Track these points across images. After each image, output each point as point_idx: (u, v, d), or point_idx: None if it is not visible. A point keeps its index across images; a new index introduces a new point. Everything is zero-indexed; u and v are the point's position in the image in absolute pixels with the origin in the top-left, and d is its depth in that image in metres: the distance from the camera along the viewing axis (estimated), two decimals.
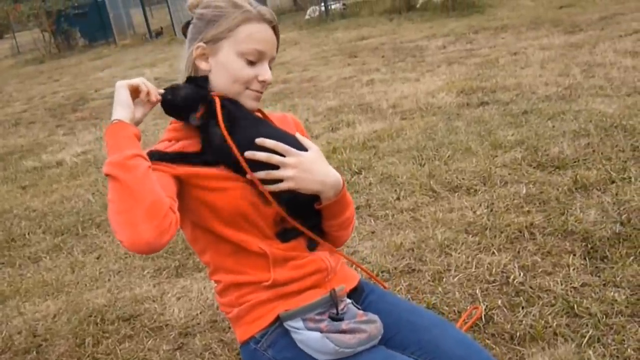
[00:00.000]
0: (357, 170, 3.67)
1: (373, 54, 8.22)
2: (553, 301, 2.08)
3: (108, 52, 16.18)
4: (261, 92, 1.35)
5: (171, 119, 1.34)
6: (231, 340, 2.19)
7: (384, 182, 3.43)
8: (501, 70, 5.74)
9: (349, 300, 1.31)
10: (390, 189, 3.32)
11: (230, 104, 1.29)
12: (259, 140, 1.24)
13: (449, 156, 3.62)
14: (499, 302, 2.13)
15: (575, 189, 2.89)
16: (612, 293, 2.06)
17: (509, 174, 3.22)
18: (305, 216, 1.31)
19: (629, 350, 1.80)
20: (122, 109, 1.22)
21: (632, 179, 2.88)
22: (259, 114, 1.39)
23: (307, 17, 14.02)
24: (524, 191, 2.96)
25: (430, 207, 3.01)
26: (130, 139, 1.18)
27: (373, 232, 2.86)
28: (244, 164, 1.23)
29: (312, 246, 1.34)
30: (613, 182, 2.89)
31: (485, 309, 2.10)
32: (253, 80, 1.31)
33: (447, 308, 2.16)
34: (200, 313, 2.43)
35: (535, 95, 4.62)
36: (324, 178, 1.27)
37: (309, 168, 1.26)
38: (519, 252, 2.44)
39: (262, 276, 1.28)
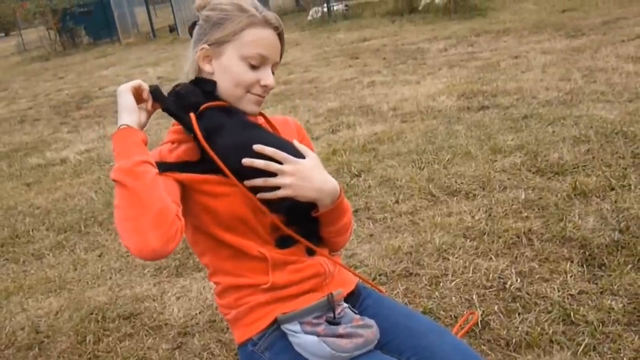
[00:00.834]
0: (356, 173, 3.69)
1: (374, 56, 8.24)
2: (550, 308, 2.09)
3: (112, 51, 16.23)
4: (263, 97, 1.35)
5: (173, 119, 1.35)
6: (229, 341, 2.21)
7: (383, 185, 3.45)
8: (502, 74, 5.76)
9: (346, 305, 1.32)
10: (389, 192, 3.34)
11: (221, 112, 1.28)
12: (258, 147, 1.24)
13: (448, 160, 3.64)
14: (496, 307, 2.14)
15: (575, 195, 2.91)
16: (609, 301, 2.07)
17: (508, 179, 3.24)
18: (303, 223, 1.33)
19: (624, 359, 1.81)
20: (129, 114, 1.22)
21: (632, 187, 2.89)
22: (261, 118, 1.40)
23: (309, 17, 14.04)
24: (523, 196, 2.98)
25: (429, 211, 3.03)
26: (138, 145, 1.19)
27: (371, 235, 2.88)
28: (227, 173, 1.23)
29: (311, 251, 1.35)
30: (612, 189, 2.91)
31: (481, 315, 2.11)
32: (255, 85, 1.32)
33: (443, 313, 2.18)
34: (200, 313, 2.45)
35: (535, 100, 4.64)
36: (322, 186, 1.28)
37: (306, 176, 1.26)
38: (516, 257, 2.46)
39: (260, 279, 1.30)
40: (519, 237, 2.60)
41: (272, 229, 1.30)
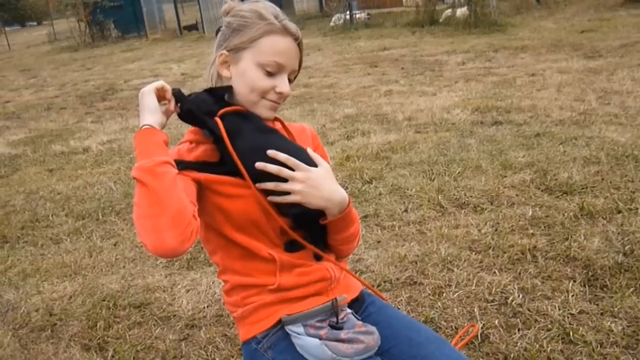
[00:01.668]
0: (368, 180, 3.75)
1: (393, 65, 8.30)
2: (549, 326, 2.11)
3: (139, 45, 16.47)
4: (278, 103, 1.37)
5: None
6: (234, 336, 2.26)
7: (393, 193, 3.51)
8: (517, 91, 5.79)
9: (349, 310, 1.35)
10: (399, 200, 3.39)
11: (238, 117, 1.32)
12: (272, 153, 1.27)
13: (459, 173, 3.69)
14: (496, 322, 2.17)
15: (581, 215, 2.93)
16: (609, 323, 2.08)
17: (517, 195, 3.28)
18: (312, 229, 1.36)
19: None
20: (151, 115, 1.26)
21: (639, 210, 2.92)
22: (278, 124, 1.43)
23: (332, 24, 14.14)
24: (530, 213, 3.02)
25: (437, 221, 3.08)
26: (159, 146, 1.22)
27: (379, 242, 2.93)
28: (246, 177, 1.27)
29: (318, 257, 1.38)
30: (620, 211, 2.93)
31: (481, 328, 2.14)
32: (270, 91, 1.34)
33: (444, 323, 2.21)
34: (207, 307, 2.51)
35: (549, 119, 4.67)
36: (330, 195, 1.30)
37: (316, 184, 1.28)
38: (519, 273, 2.49)
39: (268, 280, 1.32)
40: (523, 254, 2.63)
41: (282, 232, 1.33)
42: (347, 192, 1.36)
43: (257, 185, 1.28)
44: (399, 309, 2.29)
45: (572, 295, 2.28)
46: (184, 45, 14.77)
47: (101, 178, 4.48)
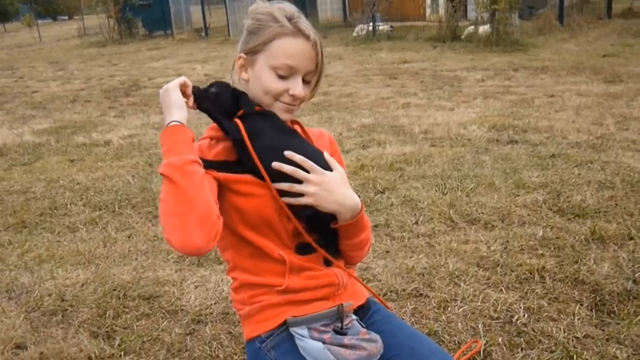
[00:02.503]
0: (381, 190, 3.78)
1: (413, 78, 8.33)
2: (553, 348, 2.10)
3: (165, 44, 16.71)
4: (293, 105, 1.38)
5: None
6: (239, 334, 2.29)
7: (405, 204, 3.53)
8: (535, 111, 5.79)
9: (354, 317, 1.37)
10: (410, 212, 3.41)
11: (258, 116, 1.34)
12: (288, 154, 1.29)
13: (471, 189, 3.70)
14: (500, 339, 2.17)
15: (592, 239, 2.92)
16: (614, 349, 2.06)
17: (528, 214, 3.28)
18: (324, 232, 1.38)
19: None
20: (178, 111, 1.28)
21: None
22: (297, 127, 1.45)
23: (354, 34, 14.22)
24: (541, 234, 3.02)
25: (447, 235, 3.10)
26: (188, 143, 1.24)
27: (387, 252, 2.95)
28: (266, 177, 1.29)
29: (328, 262, 1.40)
30: (631, 238, 2.92)
31: (485, 344, 2.14)
32: (283, 94, 1.35)
33: (448, 337, 2.22)
34: (215, 303, 2.55)
35: (565, 141, 4.67)
36: (343, 200, 1.32)
37: (330, 188, 1.30)
38: (526, 293, 2.49)
39: (276, 281, 1.34)
40: (531, 273, 2.63)
41: (294, 234, 1.35)
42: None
43: (272, 185, 1.30)
44: (403, 319, 2.31)
45: (578, 319, 2.27)
46: (209, 47, 14.93)
47: (120, 171, 4.56)
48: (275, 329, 1.35)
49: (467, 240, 3.02)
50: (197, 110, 1.36)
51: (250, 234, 1.33)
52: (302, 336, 1.30)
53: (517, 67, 8.74)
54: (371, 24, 14.01)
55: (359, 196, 1.43)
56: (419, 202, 3.54)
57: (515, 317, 2.31)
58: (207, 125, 1.45)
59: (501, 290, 2.52)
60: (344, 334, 1.31)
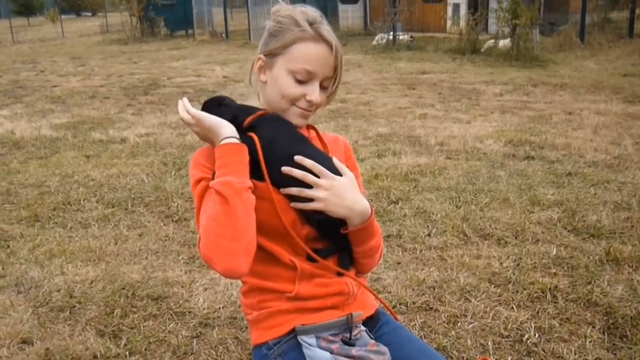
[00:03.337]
0: (394, 200, 3.75)
1: (431, 89, 8.31)
2: None
3: (185, 45, 16.86)
4: (309, 111, 1.37)
5: None
6: (246, 340, 2.28)
7: (418, 216, 3.50)
8: (553, 128, 5.74)
9: (363, 328, 1.35)
10: (423, 224, 3.39)
11: (271, 122, 1.34)
12: (298, 158, 1.29)
13: (485, 203, 3.66)
14: (509, 358, 2.14)
15: (607, 260, 2.88)
16: None
17: (542, 232, 3.25)
18: (334, 239, 1.37)
19: None
20: (229, 128, 1.28)
21: None
22: (312, 132, 1.45)
23: (374, 42, 14.24)
24: (554, 252, 2.98)
25: (459, 249, 3.07)
26: (246, 167, 1.26)
27: (399, 263, 2.93)
28: (268, 184, 1.28)
29: (340, 275, 1.38)
30: None
31: None
32: (300, 99, 1.35)
33: (456, 353, 2.20)
34: (223, 307, 2.54)
35: (582, 159, 4.62)
36: (353, 205, 1.31)
37: (340, 193, 1.29)
38: (538, 312, 2.46)
39: (286, 287, 1.33)
40: (543, 292, 2.60)
41: (306, 241, 1.34)
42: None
43: (281, 190, 1.30)
44: (412, 332, 2.28)
45: (590, 341, 2.24)
46: (229, 49, 15.02)
47: (134, 169, 4.58)
48: (283, 336, 1.33)
49: (479, 255, 2.99)
50: None
51: (262, 239, 1.32)
52: (310, 345, 1.29)
53: (536, 82, 8.68)
54: (391, 33, 14.00)
55: (372, 205, 1.42)
56: (433, 214, 3.51)
57: (526, 336, 2.28)
58: None
59: (512, 308, 2.50)
60: (353, 345, 1.29)
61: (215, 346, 2.27)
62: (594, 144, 5.10)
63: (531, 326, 2.34)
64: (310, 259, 1.35)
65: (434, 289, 2.66)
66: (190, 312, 2.52)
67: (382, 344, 1.33)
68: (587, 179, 4.12)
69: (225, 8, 19.17)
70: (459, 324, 2.38)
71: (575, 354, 2.16)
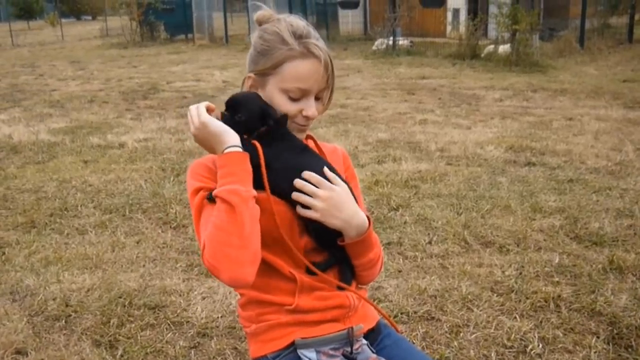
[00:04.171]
0: (394, 207, 3.72)
1: (430, 95, 8.29)
2: None
3: (185, 49, 16.85)
4: (306, 125, 1.37)
5: None
6: (244, 351, 2.25)
7: (419, 223, 3.47)
8: (553, 134, 5.71)
9: (364, 341, 1.33)
10: (423, 231, 3.35)
11: (276, 137, 1.32)
12: (306, 174, 1.29)
13: (487, 210, 3.63)
14: None
15: (610, 269, 2.85)
16: None
17: (544, 240, 3.21)
18: (333, 250, 1.35)
19: None
20: (233, 136, 1.25)
21: None
22: (311, 142, 1.44)
23: (374, 48, 14.22)
24: (557, 260, 2.95)
25: (460, 257, 3.03)
26: (250, 175, 1.24)
27: (400, 271, 2.90)
28: (268, 194, 1.27)
29: (340, 288, 1.35)
30: None
31: None
32: (297, 115, 1.34)
33: None
34: (221, 317, 2.50)
35: (584, 166, 4.59)
36: (349, 219, 1.30)
37: (337, 204, 1.28)
38: (541, 322, 2.43)
39: (286, 299, 1.31)
40: (546, 302, 2.57)
41: (305, 253, 1.32)
42: (372, 217, 1.34)
43: (278, 195, 1.28)
44: (413, 343, 2.25)
45: (595, 352, 2.21)
46: (228, 54, 15.01)
47: (133, 175, 4.54)
48: (282, 350, 1.31)
49: (481, 264, 2.96)
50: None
51: (262, 251, 1.29)
52: (310, 359, 1.27)
53: (536, 88, 8.67)
54: (391, 38, 14.00)
55: (372, 213, 1.40)
56: (433, 221, 3.48)
57: (530, 346, 2.25)
58: None
59: (515, 317, 2.46)
60: (354, 359, 1.27)
61: (214, 357, 2.23)
62: (595, 150, 5.07)
63: (535, 336, 2.31)
64: (310, 271, 1.33)
65: (436, 298, 2.63)
66: (188, 321, 2.48)
67: (384, 357, 1.32)
68: (589, 185, 4.09)
69: (225, 12, 19.17)
70: (461, 334, 2.35)
71: None
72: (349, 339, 1.29)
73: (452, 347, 2.27)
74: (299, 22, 1.35)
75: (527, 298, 2.60)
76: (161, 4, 19.35)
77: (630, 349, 2.24)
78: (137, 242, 3.29)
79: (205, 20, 19.82)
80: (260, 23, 1.38)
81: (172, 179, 4.40)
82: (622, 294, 2.62)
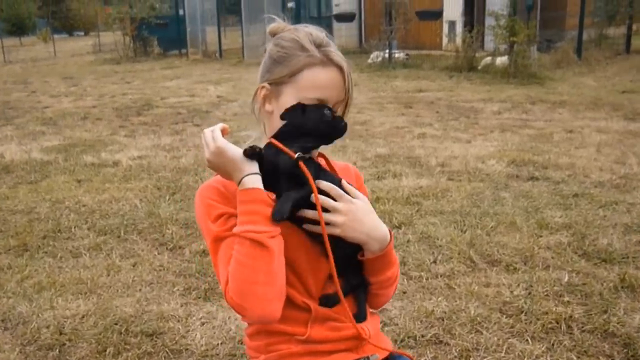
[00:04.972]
0: (397, 225, 3.64)
1: (428, 108, 8.24)
2: None
3: (179, 64, 16.80)
4: None
5: None
6: None
7: (422, 241, 3.39)
8: (555, 147, 5.66)
9: None
10: (427, 250, 3.27)
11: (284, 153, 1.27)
12: (323, 185, 1.24)
13: (492, 227, 3.56)
14: None
15: (622, 287, 2.78)
16: None
17: (552, 257, 3.14)
18: (349, 274, 1.30)
19: None
20: (249, 165, 1.20)
21: None
22: (322, 160, 1.38)
23: (369, 61, 14.18)
24: (566, 279, 2.87)
25: (467, 277, 2.95)
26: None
27: (404, 293, 2.81)
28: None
29: (359, 320, 1.31)
30: None
31: None
32: None
33: None
34: (221, 344, 2.41)
35: (588, 180, 4.53)
36: (372, 231, 1.26)
37: (359, 217, 1.24)
38: (553, 345, 2.35)
39: (297, 330, 1.26)
40: (558, 323, 2.49)
41: (324, 280, 1.28)
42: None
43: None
44: None
45: None
46: (222, 68, 14.98)
47: (127, 194, 4.44)
48: None
49: (488, 283, 2.87)
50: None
51: None
52: None
53: (535, 100, 8.64)
54: (387, 51, 13.99)
55: (392, 231, 1.32)
56: (437, 239, 3.40)
57: None
58: None
59: (526, 340, 2.39)
60: None
61: None
62: (598, 163, 5.01)
63: None
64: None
65: (443, 320, 2.55)
66: (187, 349, 2.39)
67: None
68: (595, 200, 4.02)
69: (219, 27, 19.16)
70: (471, 359, 2.27)
71: None
72: None
73: None
74: (318, 32, 1.30)
75: (538, 319, 2.52)
76: (154, 19, 19.35)
77: None
78: (133, 265, 3.19)
79: (199, 34, 19.81)
80: (274, 35, 1.32)
81: (167, 198, 4.30)
82: (635, 313, 2.55)
